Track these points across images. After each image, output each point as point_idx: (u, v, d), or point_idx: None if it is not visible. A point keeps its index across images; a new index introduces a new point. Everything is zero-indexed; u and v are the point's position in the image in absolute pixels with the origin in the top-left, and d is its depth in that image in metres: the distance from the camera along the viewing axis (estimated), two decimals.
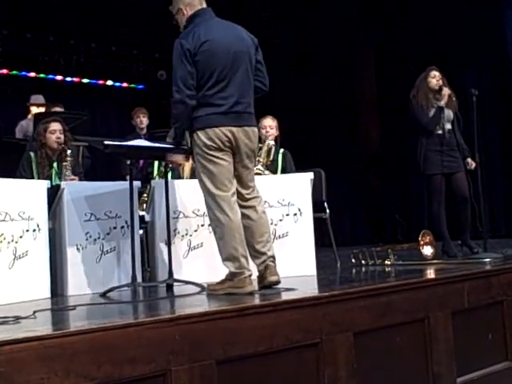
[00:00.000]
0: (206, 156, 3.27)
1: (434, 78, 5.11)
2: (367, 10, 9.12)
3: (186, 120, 3.27)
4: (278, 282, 3.30)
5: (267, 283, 3.29)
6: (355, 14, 9.31)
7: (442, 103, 5.03)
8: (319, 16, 9.00)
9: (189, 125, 3.30)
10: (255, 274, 3.37)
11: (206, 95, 3.26)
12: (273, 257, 3.36)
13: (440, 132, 5.05)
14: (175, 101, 3.26)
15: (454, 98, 5.08)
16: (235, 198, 3.32)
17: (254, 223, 3.35)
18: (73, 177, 4.50)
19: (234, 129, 3.27)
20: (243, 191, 3.38)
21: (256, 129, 3.44)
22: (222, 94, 3.27)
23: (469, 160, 5.12)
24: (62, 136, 4.58)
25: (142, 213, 4.29)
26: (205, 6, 3.44)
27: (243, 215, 3.35)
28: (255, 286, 3.26)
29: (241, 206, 3.35)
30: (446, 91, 5.03)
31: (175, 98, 3.26)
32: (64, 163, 4.52)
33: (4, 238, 3.40)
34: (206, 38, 3.26)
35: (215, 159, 3.26)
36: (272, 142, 5.03)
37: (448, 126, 5.08)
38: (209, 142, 3.24)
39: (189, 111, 3.25)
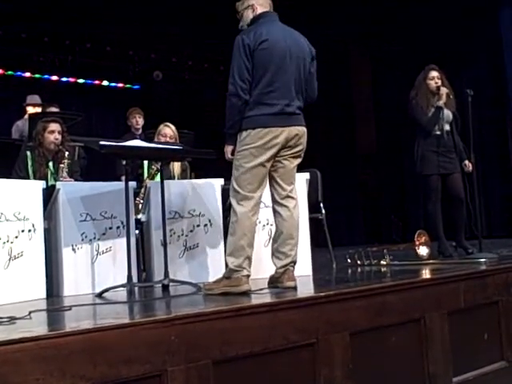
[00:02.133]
0: (247, 157, 3.28)
1: (433, 79, 5.11)
2: (363, 11, 9.13)
3: (238, 114, 3.29)
4: (294, 288, 3.28)
5: (283, 287, 3.28)
6: (351, 15, 9.32)
7: (441, 103, 5.03)
8: (315, 17, 9.00)
9: (241, 120, 3.31)
10: (254, 275, 3.36)
11: (260, 93, 3.28)
12: (295, 262, 3.38)
13: (438, 133, 5.06)
14: (230, 93, 3.30)
15: (451, 97, 5.08)
16: (260, 201, 3.33)
17: (285, 223, 3.36)
18: (68, 179, 4.49)
19: (285, 129, 3.31)
20: (284, 186, 3.39)
21: (305, 128, 3.47)
22: (275, 95, 3.30)
23: (466, 162, 5.13)
24: (60, 137, 4.58)
25: (135, 216, 4.27)
26: (272, 10, 3.51)
27: (276, 213, 3.39)
28: (251, 286, 3.25)
29: (276, 203, 3.39)
30: (444, 90, 5.04)
31: (230, 90, 3.30)
32: (61, 165, 4.51)
33: None
34: (267, 37, 3.30)
35: (254, 163, 3.27)
36: None
37: (446, 127, 5.09)
38: (259, 142, 3.25)
39: (242, 105, 3.27)
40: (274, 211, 3.41)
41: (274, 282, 3.36)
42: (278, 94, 3.30)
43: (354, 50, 10.49)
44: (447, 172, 5.05)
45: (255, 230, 3.33)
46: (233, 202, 3.32)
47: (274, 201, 3.42)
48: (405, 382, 3.22)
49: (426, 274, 3.99)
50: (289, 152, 3.37)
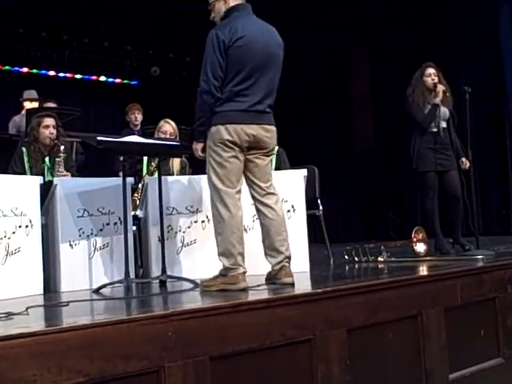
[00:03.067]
0: (218, 150, 3.26)
1: (430, 76, 5.11)
2: (362, 8, 9.12)
3: (210, 111, 3.26)
4: (292, 285, 3.27)
5: (281, 284, 3.27)
6: (350, 12, 9.31)
7: (438, 100, 5.03)
8: (314, 14, 9.00)
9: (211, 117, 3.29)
10: (250, 271, 3.37)
11: (231, 91, 3.26)
12: (289, 257, 3.36)
13: (435, 130, 5.06)
14: (202, 90, 3.25)
15: (448, 94, 5.09)
16: (240, 195, 3.32)
17: (271, 221, 3.34)
18: (65, 173, 4.49)
19: (254, 126, 3.29)
20: (261, 184, 3.37)
21: (275, 128, 3.45)
22: (247, 92, 3.27)
23: (463, 159, 5.13)
24: (55, 131, 4.57)
25: (132, 212, 4.26)
26: (244, 1, 3.43)
27: (259, 212, 3.36)
28: (248, 282, 3.25)
29: (259, 202, 3.37)
30: (441, 88, 5.04)
31: (202, 87, 3.26)
32: (57, 159, 4.50)
33: None
34: (243, 33, 3.25)
35: (227, 155, 3.25)
36: None
37: (443, 125, 5.09)
38: (227, 136, 3.23)
39: (214, 102, 3.25)
40: (258, 210, 3.38)
41: (271, 278, 3.36)
42: (250, 92, 3.27)
43: (353, 47, 10.48)
44: (444, 169, 5.05)
45: (242, 224, 3.31)
46: (215, 202, 3.29)
47: (255, 199, 3.38)
48: (402, 378, 3.23)
49: (423, 270, 4.00)
50: (259, 151, 3.34)
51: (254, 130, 3.28)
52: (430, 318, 3.35)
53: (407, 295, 3.31)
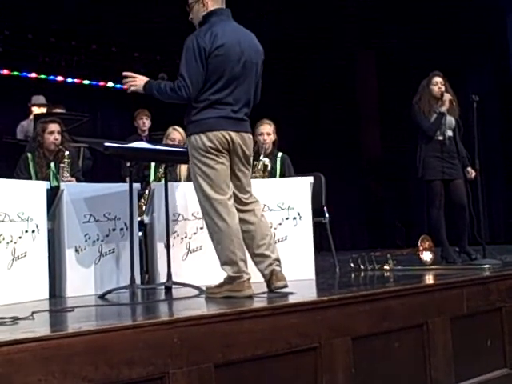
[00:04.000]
0: (203, 159, 3.25)
1: (437, 85, 5.10)
2: (368, 14, 9.13)
3: (168, 99, 3.34)
4: (285, 287, 3.27)
5: (274, 289, 3.27)
6: (356, 18, 9.32)
7: (444, 109, 5.03)
8: (320, 19, 9.01)
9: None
10: (255, 277, 3.36)
11: (209, 99, 3.25)
12: (278, 260, 3.34)
13: (441, 138, 5.05)
14: (179, 95, 3.24)
15: (454, 104, 5.08)
16: (232, 201, 3.31)
17: (254, 227, 3.34)
18: (70, 178, 4.51)
19: (233, 133, 3.28)
20: (241, 196, 3.37)
21: (251, 135, 3.44)
22: (225, 100, 3.26)
23: (469, 169, 5.12)
24: (60, 137, 4.59)
25: (139, 218, 4.27)
26: (224, 6, 3.40)
27: (242, 220, 3.33)
28: (254, 289, 3.25)
29: (239, 211, 3.34)
30: (448, 97, 5.03)
31: (181, 93, 3.23)
32: (62, 164, 4.53)
33: (3, 239, 3.40)
34: (222, 41, 3.23)
35: (213, 162, 3.25)
36: (267, 160, 4.99)
37: (449, 133, 5.08)
38: (209, 143, 3.23)
39: (180, 100, 3.28)
40: (240, 219, 3.32)
41: (267, 286, 3.33)
42: (228, 100, 3.26)
43: (359, 54, 10.48)
44: (450, 178, 5.04)
45: (239, 230, 3.29)
46: (209, 212, 3.26)
47: (238, 210, 3.33)
48: None
49: (429, 279, 3.98)
50: (239, 160, 3.33)
51: (232, 136, 3.27)
52: (435, 327, 3.34)
53: (413, 304, 3.29)
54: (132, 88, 3.43)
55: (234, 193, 3.34)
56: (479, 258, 4.78)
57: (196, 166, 3.30)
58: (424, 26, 8.96)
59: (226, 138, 3.26)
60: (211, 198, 3.25)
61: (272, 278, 3.28)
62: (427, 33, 8.99)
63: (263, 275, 3.34)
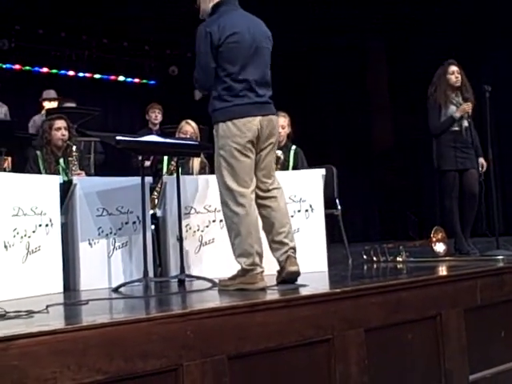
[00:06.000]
0: (231, 150, 3.24)
1: (453, 74, 5.03)
2: (379, 4, 9.06)
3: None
4: (297, 273, 3.28)
5: (286, 274, 3.27)
6: (367, 8, 9.25)
7: (458, 115, 4.97)
8: (331, 11, 8.96)
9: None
10: (268, 270, 3.36)
11: (230, 86, 3.26)
12: (294, 248, 3.34)
13: (457, 129, 5.01)
14: (197, 87, 3.43)
15: (469, 95, 5.01)
16: (254, 195, 3.30)
17: (275, 213, 3.33)
18: (79, 171, 4.53)
19: (260, 118, 3.29)
20: (266, 180, 3.37)
21: (277, 117, 3.47)
22: (247, 85, 3.28)
23: (480, 160, 5.07)
24: (67, 133, 4.62)
25: (151, 211, 4.28)
26: None
27: (264, 206, 3.34)
28: (267, 282, 3.25)
29: (262, 198, 3.34)
30: (469, 108, 4.96)
31: (198, 85, 3.40)
32: (70, 158, 4.55)
33: (17, 233, 3.42)
34: (233, 30, 3.27)
35: (239, 154, 3.24)
36: (280, 152, 4.98)
37: (465, 124, 5.03)
38: (237, 132, 3.23)
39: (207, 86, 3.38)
40: (261, 205, 3.34)
41: (280, 273, 3.34)
42: (248, 85, 3.28)
43: (371, 45, 10.42)
44: (464, 168, 5.01)
45: (258, 224, 3.30)
46: (229, 203, 3.26)
47: (258, 196, 3.34)
48: (421, 378, 3.21)
49: (442, 270, 3.97)
50: (265, 144, 3.33)
51: (260, 121, 3.29)
52: (449, 318, 3.33)
53: (426, 296, 3.28)
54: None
55: (258, 178, 3.34)
56: (476, 254, 4.76)
57: (221, 156, 3.29)
58: (436, 15, 8.88)
59: (254, 125, 3.26)
60: (233, 190, 3.25)
61: (286, 263, 3.28)
62: (439, 22, 8.91)
63: (278, 262, 3.35)
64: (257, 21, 3.46)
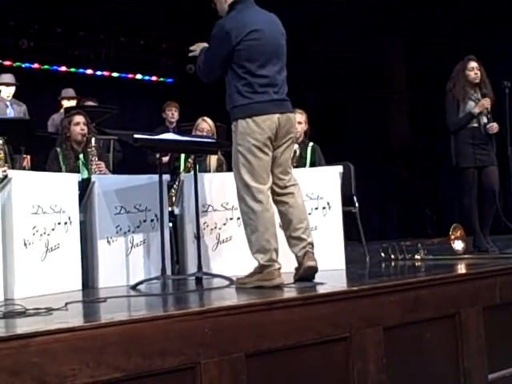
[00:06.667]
0: (249, 146, 3.25)
1: (473, 70, 4.99)
2: (397, 4, 9.00)
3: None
4: (315, 268, 3.29)
5: (305, 269, 3.27)
6: (385, 4, 9.19)
7: (477, 111, 4.92)
8: (347, 7, 8.92)
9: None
10: (285, 268, 3.36)
11: (249, 83, 3.27)
12: (312, 244, 3.35)
13: (475, 125, 4.96)
14: (198, 75, 3.45)
15: (488, 90, 4.96)
16: (270, 192, 3.32)
17: (293, 210, 3.34)
18: (99, 162, 4.56)
19: (279, 115, 3.30)
20: (283, 177, 3.37)
21: (294, 115, 3.50)
22: (266, 82, 3.28)
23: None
24: (86, 128, 4.66)
25: (169, 209, 4.30)
26: None
27: (281, 202, 3.36)
28: (284, 278, 3.25)
29: (279, 194, 3.36)
30: (487, 103, 4.90)
31: (199, 73, 3.46)
32: (89, 149, 4.58)
33: (36, 231, 3.45)
34: (253, 27, 3.28)
35: (257, 151, 3.25)
36: (296, 146, 4.97)
37: (484, 120, 4.98)
38: (257, 129, 3.24)
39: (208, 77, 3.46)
40: (278, 202, 3.36)
41: (297, 269, 3.34)
42: (267, 82, 3.29)
43: (388, 41, 10.36)
44: (483, 165, 4.96)
45: (275, 220, 3.31)
46: (246, 199, 3.27)
47: (275, 193, 3.36)
48: (439, 377, 3.19)
49: (461, 268, 3.94)
50: (283, 140, 3.34)
51: (279, 119, 3.29)
52: (468, 316, 3.30)
53: (445, 294, 3.26)
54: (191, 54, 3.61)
55: (275, 175, 3.35)
56: (495, 252, 4.71)
57: (240, 153, 3.29)
58: (454, 11, 8.80)
59: (273, 122, 3.27)
60: (250, 186, 3.26)
61: (304, 258, 3.29)
62: (457, 19, 8.83)
63: (296, 257, 3.35)
64: (273, 17, 3.47)
